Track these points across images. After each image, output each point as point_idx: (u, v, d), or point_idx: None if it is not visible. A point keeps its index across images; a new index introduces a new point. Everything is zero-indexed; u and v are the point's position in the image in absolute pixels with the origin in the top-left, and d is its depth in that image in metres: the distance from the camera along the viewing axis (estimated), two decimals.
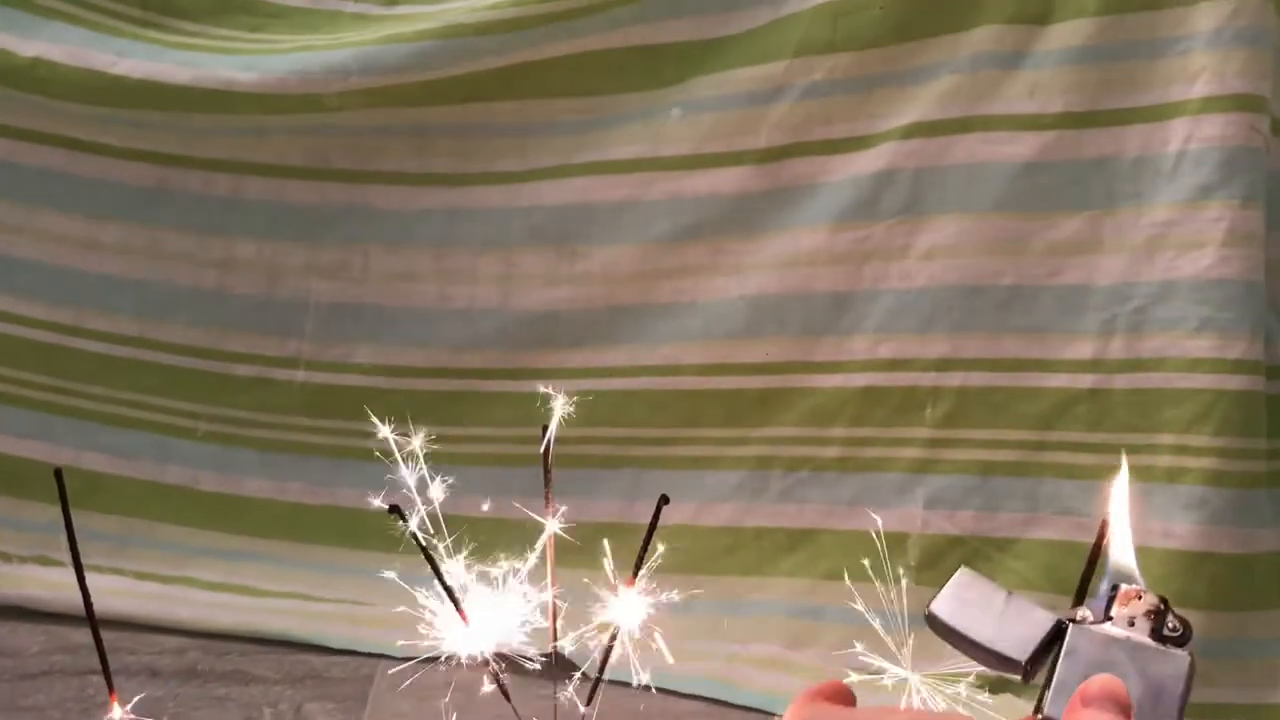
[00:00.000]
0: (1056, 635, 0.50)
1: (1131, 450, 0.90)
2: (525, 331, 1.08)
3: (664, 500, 0.64)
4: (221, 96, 1.08)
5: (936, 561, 0.95)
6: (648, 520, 0.66)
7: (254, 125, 1.10)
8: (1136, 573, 0.52)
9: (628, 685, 0.77)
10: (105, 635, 0.66)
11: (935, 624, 0.53)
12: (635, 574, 0.65)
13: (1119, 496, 0.52)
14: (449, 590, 0.65)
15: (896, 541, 0.96)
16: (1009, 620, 0.51)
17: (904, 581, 0.96)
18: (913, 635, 0.70)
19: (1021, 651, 0.50)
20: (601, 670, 0.66)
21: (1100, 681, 0.46)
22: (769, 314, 1.01)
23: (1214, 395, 0.88)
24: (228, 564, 1.09)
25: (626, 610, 0.65)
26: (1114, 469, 0.74)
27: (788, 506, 1.00)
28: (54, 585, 1.03)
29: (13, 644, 0.96)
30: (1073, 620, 0.50)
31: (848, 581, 0.97)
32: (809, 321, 1.00)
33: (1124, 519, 0.53)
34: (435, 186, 1.11)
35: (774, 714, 0.89)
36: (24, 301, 1.15)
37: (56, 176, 1.14)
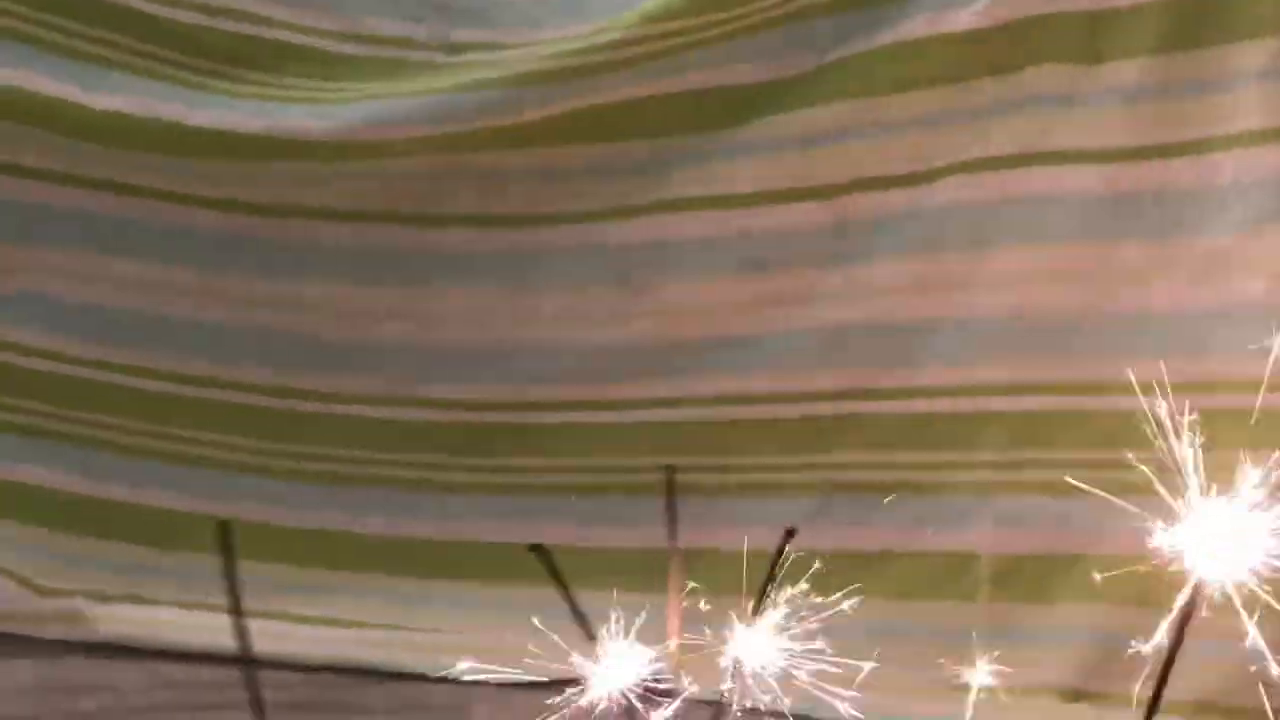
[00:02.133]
0: None
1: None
2: (599, 365, 1.12)
3: (791, 532, 0.65)
4: (295, 144, 1.11)
5: (1007, 579, 0.98)
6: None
7: (327, 171, 1.14)
8: None
9: (756, 711, 0.79)
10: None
11: None
12: (757, 608, 0.66)
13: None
14: (584, 622, 0.66)
15: (966, 561, 1.00)
16: None
17: (977, 599, 0.99)
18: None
19: None
20: (728, 704, 0.67)
21: None
22: (835, 345, 1.05)
23: (1273, 417, 0.91)
24: (325, 598, 1.12)
25: (750, 645, 0.66)
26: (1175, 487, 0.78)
27: (855, 530, 1.04)
28: (147, 623, 1.05)
29: (115, 680, 0.99)
30: None
31: (917, 601, 1.01)
32: (876, 352, 1.04)
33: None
34: (505, 228, 1.14)
35: None
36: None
37: (131, 224, 1.17)
